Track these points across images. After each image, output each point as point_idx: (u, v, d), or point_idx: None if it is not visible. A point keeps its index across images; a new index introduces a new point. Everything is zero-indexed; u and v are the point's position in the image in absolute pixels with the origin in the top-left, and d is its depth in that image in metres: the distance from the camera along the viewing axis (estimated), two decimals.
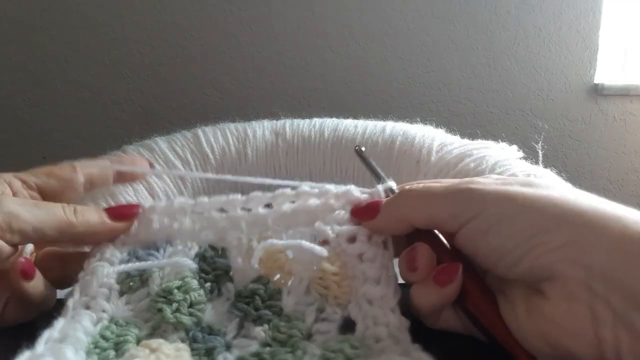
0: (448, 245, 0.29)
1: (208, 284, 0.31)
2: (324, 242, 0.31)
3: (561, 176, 0.55)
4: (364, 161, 0.36)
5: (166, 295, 0.29)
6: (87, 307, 0.29)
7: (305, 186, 0.33)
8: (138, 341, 0.28)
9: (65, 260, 0.34)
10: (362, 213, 0.31)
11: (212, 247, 0.33)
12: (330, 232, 0.31)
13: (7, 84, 1.25)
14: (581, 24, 1.35)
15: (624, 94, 1.41)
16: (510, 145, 0.57)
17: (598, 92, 1.39)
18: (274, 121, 0.59)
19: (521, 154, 0.55)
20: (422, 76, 1.34)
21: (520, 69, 1.37)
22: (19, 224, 0.29)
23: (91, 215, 0.32)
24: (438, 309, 0.29)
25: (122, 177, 0.41)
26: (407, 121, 0.65)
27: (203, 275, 0.31)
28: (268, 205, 0.33)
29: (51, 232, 0.30)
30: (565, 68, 1.38)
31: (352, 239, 0.31)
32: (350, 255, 0.30)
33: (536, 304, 0.25)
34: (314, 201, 0.33)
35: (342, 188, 0.33)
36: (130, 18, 1.26)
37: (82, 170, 0.36)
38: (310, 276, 0.30)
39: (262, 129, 0.56)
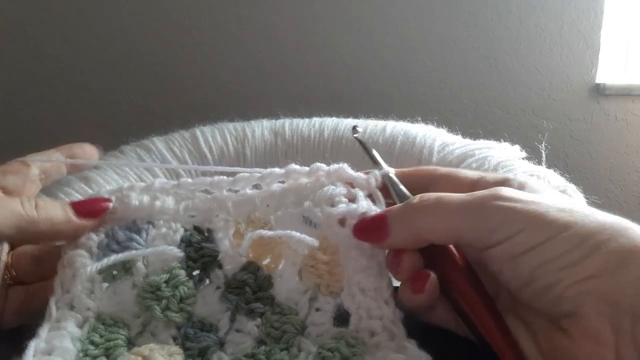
0: (460, 262, 0.28)
1: (196, 272, 0.30)
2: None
3: (563, 176, 0.54)
4: (361, 144, 0.35)
5: (154, 290, 0.28)
6: (71, 307, 0.27)
7: (295, 165, 0.32)
8: (129, 342, 0.27)
9: (39, 259, 0.32)
10: (369, 232, 0.28)
11: (198, 230, 0.31)
12: (320, 214, 0.30)
13: (7, 84, 1.25)
14: (583, 23, 1.34)
15: (625, 93, 1.40)
16: (512, 145, 0.56)
17: (600, 92, 1.38)
18: (273, 121, 0.59)
19: (524, 154, 0.54)
20: (423, 75, 1.34)
21: (521, 68, 1.36)
22: None
23: (55, 211, 0.29)
24: (424, 309, 0.28)
25: (76, 167, 0.39)
26: (408, 121, 0.65)
27: (191, 263, 0.30)
28: (256, 187, 0.32)
29: (9, 230, 0.27)
30: (566, 68, 1.37)
31: (342, 222, 0.30)
32: (342, 240, 0.29)
33: (560, 342, 0.24)
34: (304, 180, 0.31)
35: (334, 166, 0.31)
36: (130, 18, 1.26)
37: (34, 163, 0.34)
38: (301, 261, 0.30)
39: (261, 129, 0.55)
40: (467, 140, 0.56)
